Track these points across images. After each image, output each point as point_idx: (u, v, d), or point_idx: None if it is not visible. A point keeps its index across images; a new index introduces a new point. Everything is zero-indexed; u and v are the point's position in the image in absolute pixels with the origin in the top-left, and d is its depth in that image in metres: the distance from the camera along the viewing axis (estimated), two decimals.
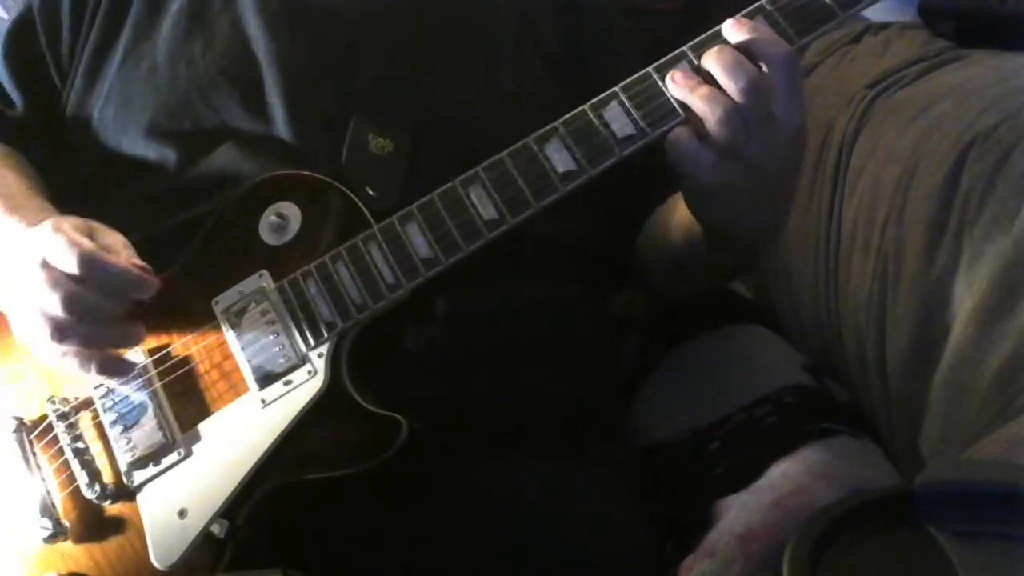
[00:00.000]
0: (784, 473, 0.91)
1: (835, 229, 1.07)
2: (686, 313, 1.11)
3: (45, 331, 0.80)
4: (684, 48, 0.82)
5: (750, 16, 0.81)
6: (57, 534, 0.85)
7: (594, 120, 0.83)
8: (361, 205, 0.87)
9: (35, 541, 0.86)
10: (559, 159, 0.83)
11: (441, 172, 0.86)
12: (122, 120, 0.98)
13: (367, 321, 0.85)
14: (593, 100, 0.83)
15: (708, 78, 0.79)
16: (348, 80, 0.95)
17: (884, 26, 1.22)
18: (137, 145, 0.97)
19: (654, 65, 0.82)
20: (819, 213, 1.10)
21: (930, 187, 0.97)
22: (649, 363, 1.09)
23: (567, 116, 0.83)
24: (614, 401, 1.06)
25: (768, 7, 0.81)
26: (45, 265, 0.79)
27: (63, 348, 0.82)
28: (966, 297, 0.92)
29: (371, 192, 0.88)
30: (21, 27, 1.04)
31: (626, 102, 0.82)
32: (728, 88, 0.78)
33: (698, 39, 0.82)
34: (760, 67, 0.78)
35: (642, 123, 0.82)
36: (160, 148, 0.96)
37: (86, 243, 0.80)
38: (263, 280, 0.87)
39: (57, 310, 0.79)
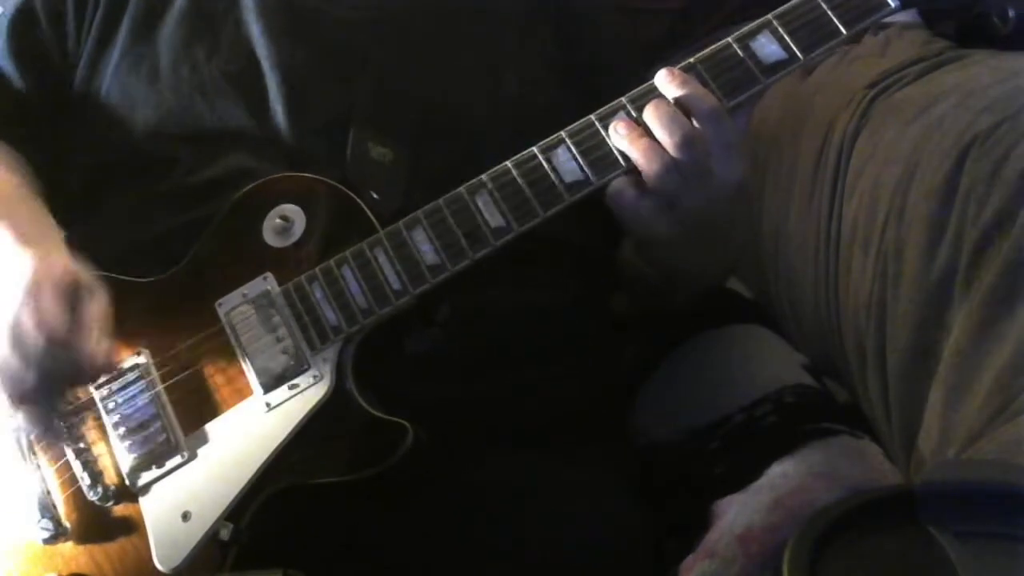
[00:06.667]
0: (784, 473, 0.91)
1: (835, 229, 1.07)
2: (686, 313, 1.11)
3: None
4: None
5: (685, 70, 0.83)
6: (58, 535, 0.85)
7: (600, 130, 0.84)
8: (366, 209, 0.87)
9: (35, 542, 0.86)
10: (566, 170, 0.84)
11: (443, 177, 0.86)
12: (126, 121, 0.97)
13: (372, 326, 0.85)
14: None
15: (648, 131, 0.81)
16: (349, 86, 0.95)
17: (884, 26, 1.22)
18: (141, 146, 0.96)
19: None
20: (819, 213, 1.10)
21: (930, 187, 0.97)
22: (649, 363, 1.09)
23: (573, 125, 0.84)
24: (615, 401, 1.06)
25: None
26: (14, 339, 0.78)
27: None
28: (966, 297, 0.91)
29: (375, 196, 0.88)
30: (24, 15, 1.02)
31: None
32: (664, 142, 0.80)
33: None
34: (693, 122, 0.81)
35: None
36: (165, 150, 0.95)
37: (56, 330, 0.77)
38: (268, 283, 0.86)
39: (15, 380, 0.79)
